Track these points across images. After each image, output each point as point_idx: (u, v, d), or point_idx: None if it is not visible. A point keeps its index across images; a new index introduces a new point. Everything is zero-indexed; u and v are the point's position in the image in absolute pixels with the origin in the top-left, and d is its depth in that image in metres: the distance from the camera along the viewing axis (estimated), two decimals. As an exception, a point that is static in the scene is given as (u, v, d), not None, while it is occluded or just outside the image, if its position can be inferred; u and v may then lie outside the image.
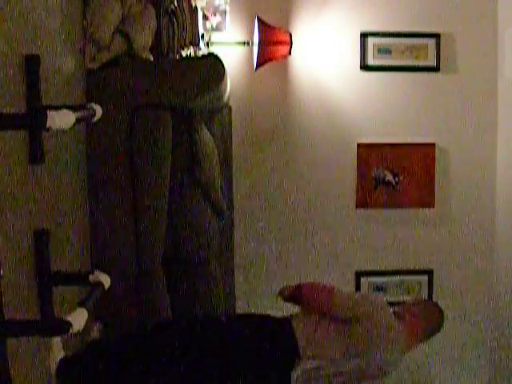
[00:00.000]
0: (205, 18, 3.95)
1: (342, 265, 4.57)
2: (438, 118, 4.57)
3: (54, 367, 2.48)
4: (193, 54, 3.84)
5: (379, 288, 4.62)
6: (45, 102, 2.39)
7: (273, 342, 2.54)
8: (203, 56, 3.73)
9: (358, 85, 4.48)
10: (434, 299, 4.67)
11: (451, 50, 4.52)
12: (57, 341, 2.48)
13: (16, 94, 2.23)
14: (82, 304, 2.10)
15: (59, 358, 2.49)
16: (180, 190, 3.35)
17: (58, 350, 2.49)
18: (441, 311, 2.85)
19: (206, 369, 2.49)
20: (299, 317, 2.67)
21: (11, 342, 2.02)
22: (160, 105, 3.18)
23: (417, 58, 4.49)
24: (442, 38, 4.48)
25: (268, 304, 4.55)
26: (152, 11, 3.33)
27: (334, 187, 4.51)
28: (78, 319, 1.98)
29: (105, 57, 3.12)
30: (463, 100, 4.57)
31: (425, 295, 4.66)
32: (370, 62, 4.46)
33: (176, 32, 3.53)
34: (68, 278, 2.63)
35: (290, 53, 4.24)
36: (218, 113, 3.89)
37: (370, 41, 4.44)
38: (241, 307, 4.38)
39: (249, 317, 2.92)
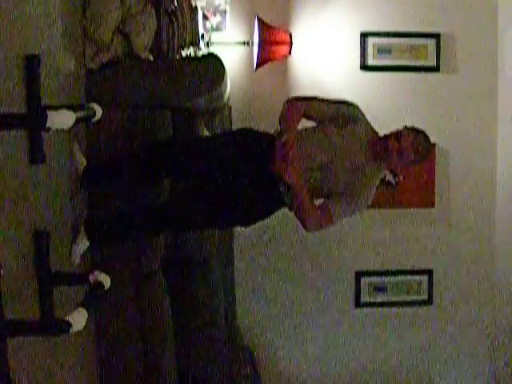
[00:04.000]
0: (205, 17, 3.95)
1: (342, 265, 4.57)
2: (437, 117, 4.56)
3: (80, 171, 2.86)
4: (193, 54, 3.84)
5: (379, 288, 4.62)
6: (45, 102, 2.39)
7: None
8: (203, 56, 3.73)
9: (358, 85, 4.48)
10: (434, 299, 4.68)
11: (451, 50, 4.52)
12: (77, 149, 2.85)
13: (16, 94, 2.23)
14: (82, 304, 2.10)
15: (83, 165, 2.86)
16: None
17: (80, 156, 2.86)
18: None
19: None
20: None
21: (11, 342, 2.02)
22: (160, 105, 3.18)
23: (417, 58, 4.49)
24: (441, 37, 4.48)
25: (268, 303, 4.56)
26: (152, 11, 3.33)
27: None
28: (78, 319, 1.98)
29: (105, 57, 3.12)
30: (463, 100, 4.57)
31: (425, 295, 4.66)
32: (370, 62, 4.46)
33: (176, 32, 3.53)
34: (68, 278, 2.63)
35: (290, 53, 4.24)
36: (218, 113, 3.89)
37: (370, 41, 4.44)
38: (241, 307, 4.38)
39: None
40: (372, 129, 2.82)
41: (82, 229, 2.81)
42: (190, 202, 2.84)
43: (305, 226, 2.72)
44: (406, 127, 2.74)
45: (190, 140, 3.08)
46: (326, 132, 2.74)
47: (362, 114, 2.82)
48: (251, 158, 2.76)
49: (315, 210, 2.69)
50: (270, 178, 2.70)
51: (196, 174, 2.90)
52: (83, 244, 2.80)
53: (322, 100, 2.81)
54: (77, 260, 2.79)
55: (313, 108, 2.77)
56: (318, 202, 2.76)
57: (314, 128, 2.82)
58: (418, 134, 2.73)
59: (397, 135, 2.68)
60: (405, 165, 2.76)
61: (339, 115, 2.76)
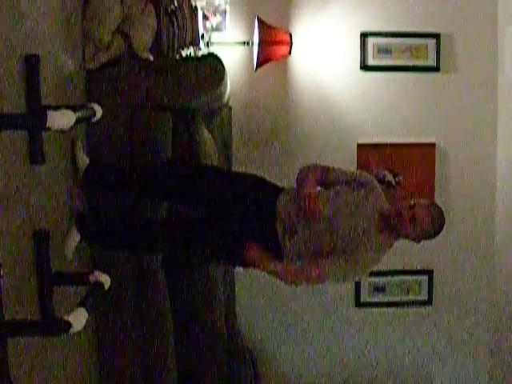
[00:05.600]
0: (205, 17, 3.95)
1: (342, 265, 4.56)
2: (438, 118, 4.56)
3: (82, 170, 2.85)
4: (193, 54, 3.84)
5: (379, 288, 4.62)
6: (45, 102, 2.39)
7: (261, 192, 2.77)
8: (203, 56, 3.73)
9: (358, 85, 4.48)
10: (434, 299, 4.68)
11: (451, 50, 4.52)
12: (80, 148, 2.85)
13: (16, 94, 2.23)
14: (82, 304, 2.10)
15: (86, 163, 2.86)
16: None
17: (82, 155, 2.86)
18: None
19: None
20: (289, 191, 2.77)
21: (11, 342, 2.02)
22: (160, 105, 3.18)
23: (417, 58, 4.49)
24: (441, 37, 4.48)
25: (268, 303, 4.56)
26: (152, 11, 3.33)
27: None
28: (78, 319, 1.98)
29: (105, 57, 3.12)
30: (463, 100, 4.57)
31: (425, 295, 4.66)
32: (370, 61, 4.46)
33: (176, 32, 3.53)
34: (68, 278, 2.63)
35: (290, 53, 4.25)
36: (218, 113, 3.89)
37: (370, 41, 4.44)
38: (241, 307, 4.38)
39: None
40: (386, 202, 2.73)
41: (73, 223, 2.81)
42: (185, 229, 2.80)
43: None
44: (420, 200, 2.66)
45: (196, 171, 2.96)
46: (337, 190, 2.68)
47: (377, 187, 2.74)
48: (255, 207, 2.71)
49: (298, 270, 2.61)
50: (271, 231, 2.65)
51: (197, 206, 2.88)
52: (75, 238, 2.80)
53: (338, 169, 2.76)
54: (69, 253, 2.77)
55: (330, 172, 2.72)
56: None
57: (326, 188, 2.76)
58: (433, 205, 2.68)
59: (412, 205, 2.60)
60: (417, 235, 2.64)
61: (353, 179, 2.70)
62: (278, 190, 2.76)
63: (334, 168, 2.75)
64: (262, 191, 2.77)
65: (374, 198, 2.69)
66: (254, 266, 2.66)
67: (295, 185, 2.73)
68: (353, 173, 2.77)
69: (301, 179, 2.70)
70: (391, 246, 2.72)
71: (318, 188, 2.75)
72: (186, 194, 2.84)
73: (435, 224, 2.64)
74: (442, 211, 2.67)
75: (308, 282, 2.64)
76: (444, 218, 2.68)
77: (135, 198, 3.06)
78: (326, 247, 2.61)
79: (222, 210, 2.77)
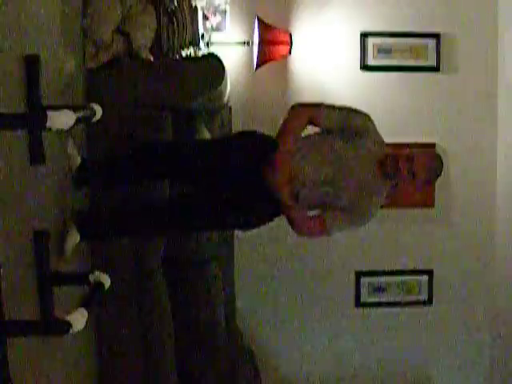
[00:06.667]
0: (205, 17, 3.96)
1: (342, 265, 4.57)
2: (438, 118, 4.57)
3: (74, 168, 2.77)
4: (193, 54, 3.84)
5: (379, 288, 4.62)
6: (45, 102, 2.39)
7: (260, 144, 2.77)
8: (203, 56, 3.73)
9: (358, 85, 4.48)
10: (434, 299, 4.68)
11: (451, 50, 4.52)
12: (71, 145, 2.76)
13: (16, 94, 2.23)
14: (82, 304, 2.10)
15: (78, 162, 2.77)
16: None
17: (74, 154, 2.78)
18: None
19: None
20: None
21: (11, 342, 2.02)
22: (160, 105, 3.18)
23: (417, 57, 4.50)
24: (442, 37, 4.48)
25: (268, 303, 4.56)
26: (152, 11, 3.33)
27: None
28: (78, 319, 1.98)
29: (105, 57, 3.12)
30: (463, 100, 4.57)
31: (425, 295, 4.66)
32: (370, 62, 4.46)
33: (176, 32, 3.53)
34: (68, 278, 2.63)
35: (290, 53, 4.25)
36: (218, 113, 3.89)
37: (370, 41, 4.44)
38: (241, 308, 4.38)
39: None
40: (382, 142, 2.72)
41: (73, 222, 2.80)
42: (190, 204, 2.80)
43: (294, 229, 2.75)
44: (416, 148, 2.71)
45: (191, 142, 3.02)
46: (332, 145, 2.66)
47: (373, 124, 2.72)
48: (253, 162, 2.71)
49: (307, 219, 2.71)
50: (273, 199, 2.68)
51: (197, 175, 2.86)
52: (75, 237, 2.78)
53: (330, 106, 2.72)
54: (69, 253, 2.76)
55: (320, 115, 2.68)
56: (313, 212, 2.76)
57: (319, 138, 2.73)
58: (432, 157, 2.69)
59: (408, 156, 2.60)
60: (415, 183, 2.70)
61: (347, 126, 2.67)
62: (272, 147, 2.71)
63: (324, 108, 2.70)
64: (259, 151, 2.74)
65: (369, 145, 2.68)
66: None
67: (280, 126, 2.72)
68: (346, 114, 2.72)
69: (286, 123, 2.69)
70: (388, 187, 2.75)
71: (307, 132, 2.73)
72: (186, 168, 2.81)
73: (434, 174, 2.68)
74: (441, 161, 2.69)
75: (312, 235, 2.77)
76: (442, 166, 2.68)
77: (134, 182, 3.02)
78: (333, 205, 2.67)
79: (220, 179, 2.77)
